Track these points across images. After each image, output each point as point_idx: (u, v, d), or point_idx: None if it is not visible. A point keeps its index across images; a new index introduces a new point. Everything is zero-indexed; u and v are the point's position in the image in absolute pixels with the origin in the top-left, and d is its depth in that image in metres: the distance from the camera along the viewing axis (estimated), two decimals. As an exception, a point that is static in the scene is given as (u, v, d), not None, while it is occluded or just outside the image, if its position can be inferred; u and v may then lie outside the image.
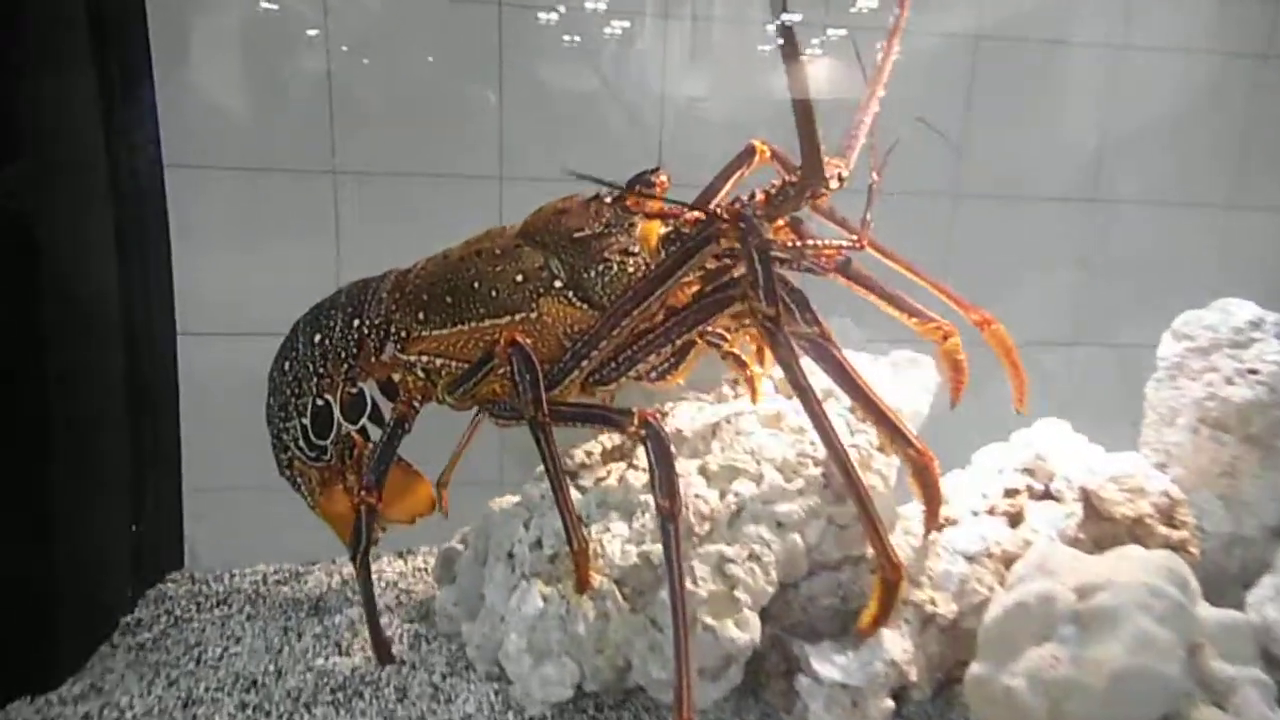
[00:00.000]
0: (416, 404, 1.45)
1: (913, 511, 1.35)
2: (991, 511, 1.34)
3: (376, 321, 1.45)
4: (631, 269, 1.34)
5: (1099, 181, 2.16)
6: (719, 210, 1.27)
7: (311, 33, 1.75)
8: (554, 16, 1.82)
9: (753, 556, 1.25)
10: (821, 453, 1.33)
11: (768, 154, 1.49)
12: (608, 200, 1.37)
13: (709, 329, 1.39)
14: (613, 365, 1.35)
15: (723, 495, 1.34)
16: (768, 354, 1.56)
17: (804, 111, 1.13)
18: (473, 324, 1.38)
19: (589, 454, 1.56)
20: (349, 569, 1.77)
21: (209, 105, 1.73)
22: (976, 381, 1.60)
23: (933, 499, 1.26)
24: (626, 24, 1.86)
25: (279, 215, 1.80)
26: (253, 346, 1.60)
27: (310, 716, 1.29)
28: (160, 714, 1.29)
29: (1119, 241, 2.18)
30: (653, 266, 1.34)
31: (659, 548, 1.31)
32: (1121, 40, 2.07)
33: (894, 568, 1.18)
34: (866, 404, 1.22)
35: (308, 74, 1.76)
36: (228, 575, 1.75)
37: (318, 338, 1.50)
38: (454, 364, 1.40)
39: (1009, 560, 1.27)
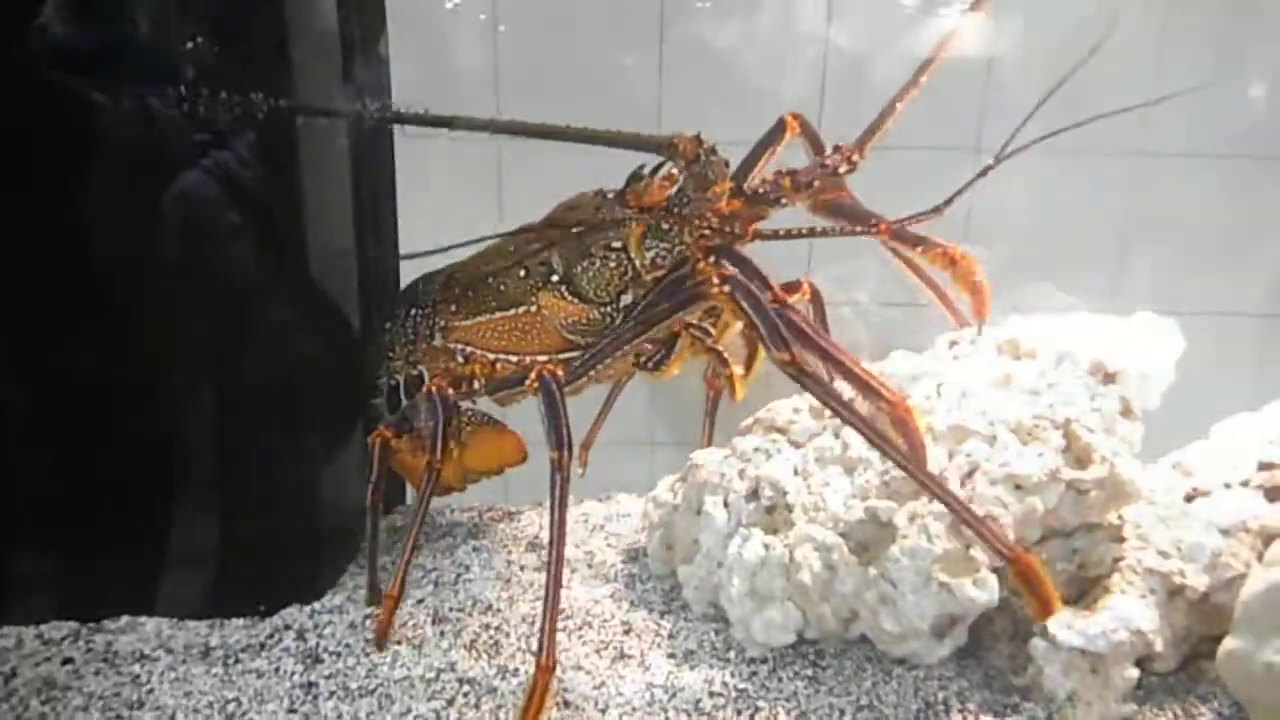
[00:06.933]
0: (465, 385, 1.52)
1: (1158, 483, 1.30)
2: (1246, 484, 1.28)
3: (426, 311, 1.56)
4: (614, 264, 1.36)
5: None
6: (701, 263, 1.28)
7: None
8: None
9: (989, 516, 1.24)
10: (1060, 415, 1.30)
11: (797, 129, 1.47)
12: (610, 196, 1.39)
13: (693, 322, 1.42)
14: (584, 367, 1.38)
15: (951, 456, 1.33)
16: (755, 355, 1.56)
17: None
18: (486, 316, 1.46)
19: (796, 410, 1.58)
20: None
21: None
22: (1211, 355, 1.52)
23: (915, 445, 1.22)
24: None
25: (447, 179, 1.85)
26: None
27: (546, 641, 1.38)
28: (414, 628, 1.41)
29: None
30: (634, 261, 1.35)
31: (885, 503, 1.33)
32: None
33: (1012, 557, 1.11)
34: (837, 364, 1.21)
35: (472, 39, 1.81)
36: (448, 510, 1.87)
37: (388, 324, 1.64)
38: (478, 351, 1.49)
39: (1267, 536, 1.20)
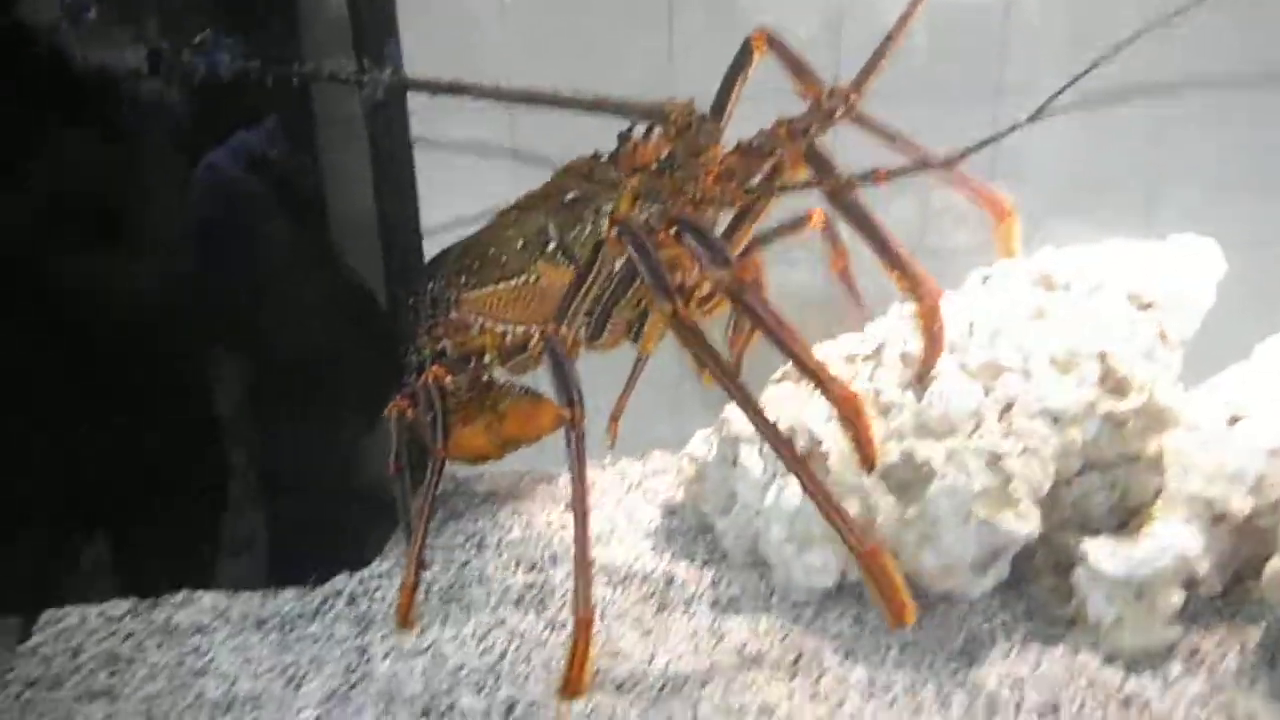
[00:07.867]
0: (479, 358, 1.52)
1: (1199, 408, 1.29)
2: (1290, 406, 1.26)
3: (443, 284, 1.56)
4: (604, 229, 1.34)
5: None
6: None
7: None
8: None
9: (1027, 450, 1.23)
10: (1096, 346, 1.28)
11: (764, 47, 1.38)
12: (604, 159, 1.36)
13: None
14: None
15: (987, 392, 1.32)
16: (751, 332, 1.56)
17: None
18: (492, 287, 1.45)
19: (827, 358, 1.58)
20: (596, 474, 1.88)
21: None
22: (1257, 274, 1.49)
23: (863, 443, 1.21)
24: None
25: (460, 151, 1.84)
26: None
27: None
28: (460, 588, 1.44)
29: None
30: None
31: (921, 444, 1.32)
32: None
33: (864, 553, 1.10)
34: (791, 354, 1.16)
35: (482, 20, 1.81)
36: (487, 475, 1.90)
37: (411, 300, 1.65)
38: (488, 323, 1.49)
39: (1314, 456, 1.19)
